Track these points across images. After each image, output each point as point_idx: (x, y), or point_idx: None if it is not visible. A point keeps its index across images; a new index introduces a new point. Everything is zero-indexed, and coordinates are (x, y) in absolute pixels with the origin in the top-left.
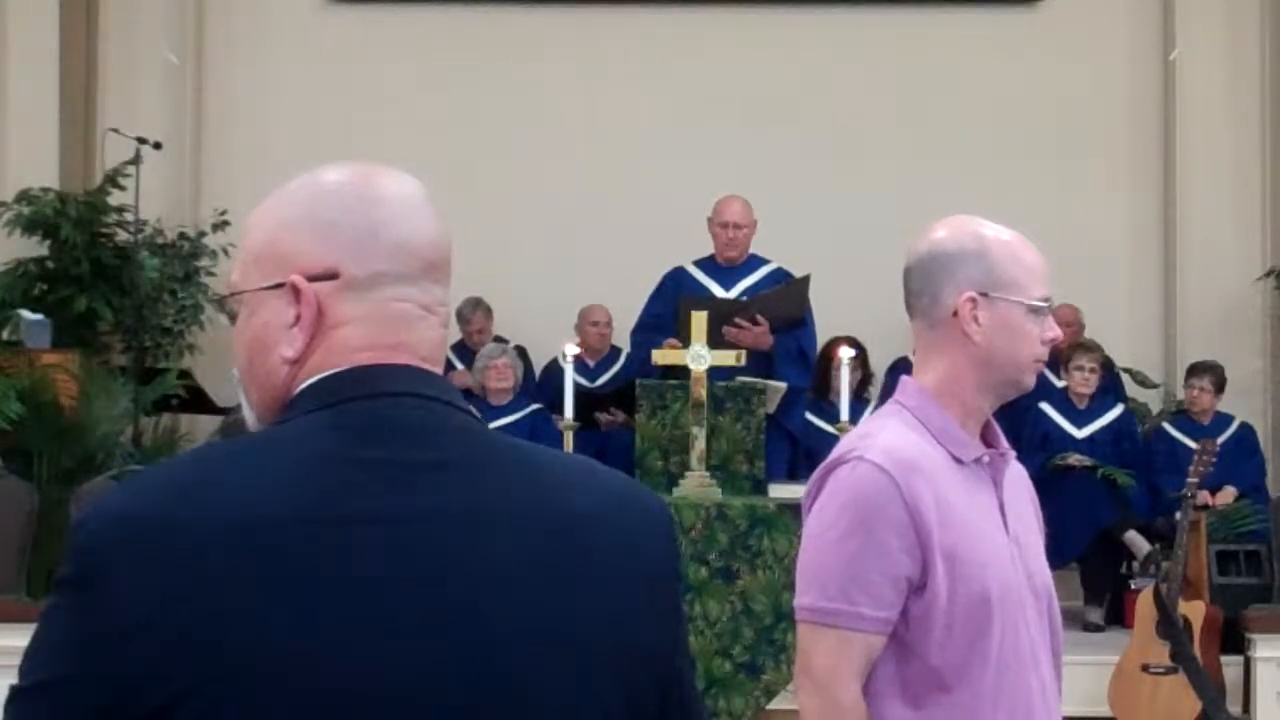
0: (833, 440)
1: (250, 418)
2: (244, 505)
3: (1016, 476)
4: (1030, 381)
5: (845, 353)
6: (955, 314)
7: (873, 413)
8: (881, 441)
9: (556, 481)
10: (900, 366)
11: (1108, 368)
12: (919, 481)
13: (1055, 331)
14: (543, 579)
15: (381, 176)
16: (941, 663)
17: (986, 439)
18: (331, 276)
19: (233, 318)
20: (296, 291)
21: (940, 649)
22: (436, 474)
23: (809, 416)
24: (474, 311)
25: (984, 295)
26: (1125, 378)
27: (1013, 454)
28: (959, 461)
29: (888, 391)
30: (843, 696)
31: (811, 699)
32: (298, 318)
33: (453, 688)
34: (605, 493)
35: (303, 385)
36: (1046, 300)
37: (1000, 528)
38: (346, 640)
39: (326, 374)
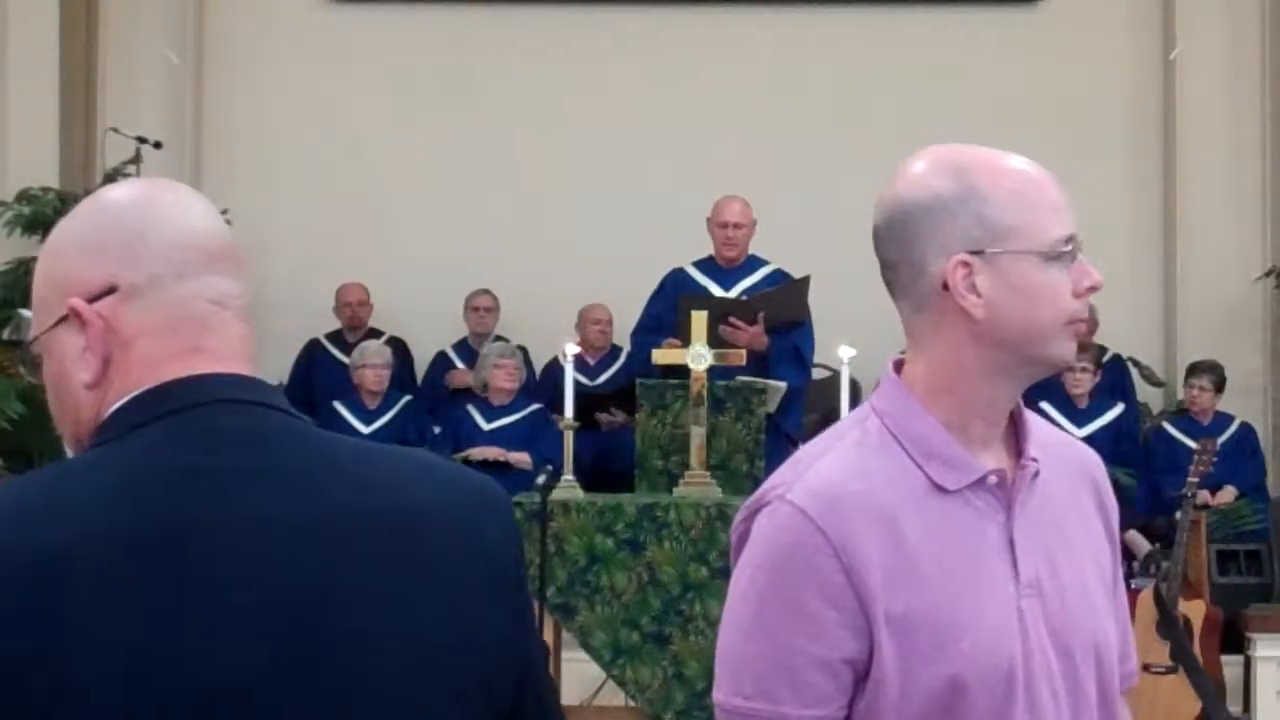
0: None
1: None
2: (71, 527)
3: (1062, 481)
4: (1067, 352)
5: (845, 352)
6: (946, 286)
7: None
8: (813, 472)
9: (391, 477)
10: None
11: (1116, 364)
12: (862, 525)
13: (1094, 277)
14: (385, 580)
15: (154, 188)
16: None
17: (1018, 438)
18: (110, 291)
19: (37, 370)
20: (79, 315)
21: None
22: (265, 479)
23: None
24: (480, 296)
25: (978, 254)
26: (1134, 374)
27: (1039, 463)
28: (942, 490)
29: None
30: None
31: None
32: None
33: (300, 697)
34: (442, 484)
35: (113, 408)
36: (1071, 240)
37: (1006, 576)
38: (188, 655)
39: (136, 393)
